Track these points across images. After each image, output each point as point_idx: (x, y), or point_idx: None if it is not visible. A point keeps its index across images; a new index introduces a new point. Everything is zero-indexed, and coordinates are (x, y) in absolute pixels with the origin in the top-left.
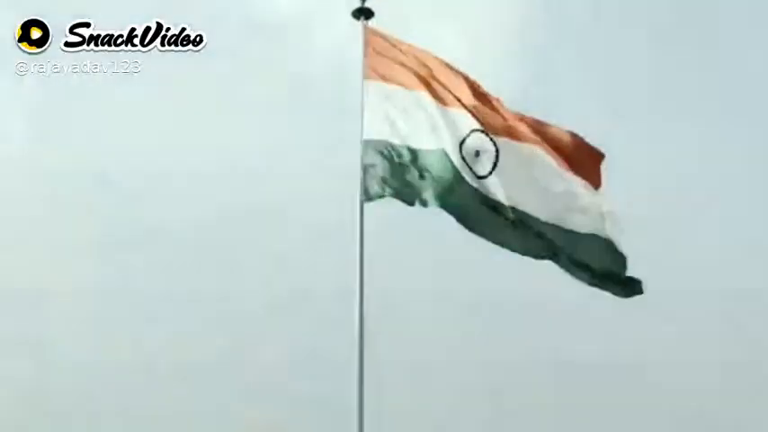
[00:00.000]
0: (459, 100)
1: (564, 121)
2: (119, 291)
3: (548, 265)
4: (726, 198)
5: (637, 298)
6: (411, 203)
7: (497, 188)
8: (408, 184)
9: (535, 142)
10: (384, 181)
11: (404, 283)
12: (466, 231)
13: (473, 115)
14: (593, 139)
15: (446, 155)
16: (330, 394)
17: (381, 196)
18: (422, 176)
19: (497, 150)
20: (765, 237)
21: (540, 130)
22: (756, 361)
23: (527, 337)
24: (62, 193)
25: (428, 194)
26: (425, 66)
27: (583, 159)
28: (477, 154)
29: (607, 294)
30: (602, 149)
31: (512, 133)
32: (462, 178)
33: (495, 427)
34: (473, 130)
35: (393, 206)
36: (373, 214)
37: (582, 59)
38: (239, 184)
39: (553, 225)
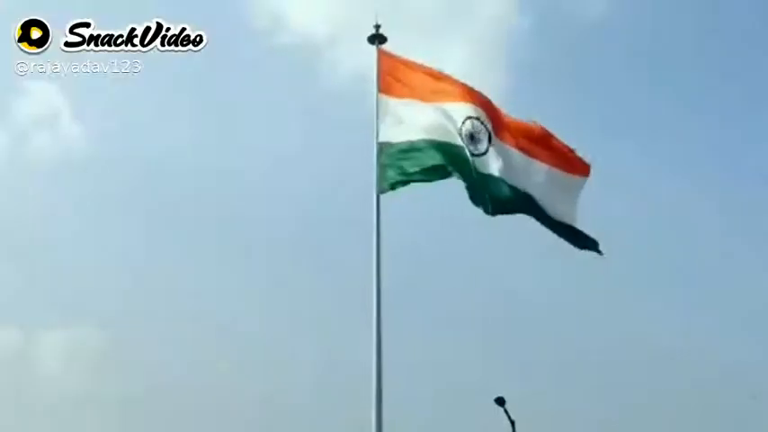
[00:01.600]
0: (459, 97)
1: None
2: None
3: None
4: None
5: None
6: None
7: (493, 162)
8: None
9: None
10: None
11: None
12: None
13: (468, 104)
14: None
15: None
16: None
17: (393, 187)
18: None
19: (489, 132)
20: None
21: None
22: None
23: (540, 330)
24: (61, 191)
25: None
26: (430, 76)
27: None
28: (472, 137)
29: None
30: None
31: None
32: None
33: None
34: (468, 117)
35: (402, 202)
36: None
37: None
38: (239, 184)
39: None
